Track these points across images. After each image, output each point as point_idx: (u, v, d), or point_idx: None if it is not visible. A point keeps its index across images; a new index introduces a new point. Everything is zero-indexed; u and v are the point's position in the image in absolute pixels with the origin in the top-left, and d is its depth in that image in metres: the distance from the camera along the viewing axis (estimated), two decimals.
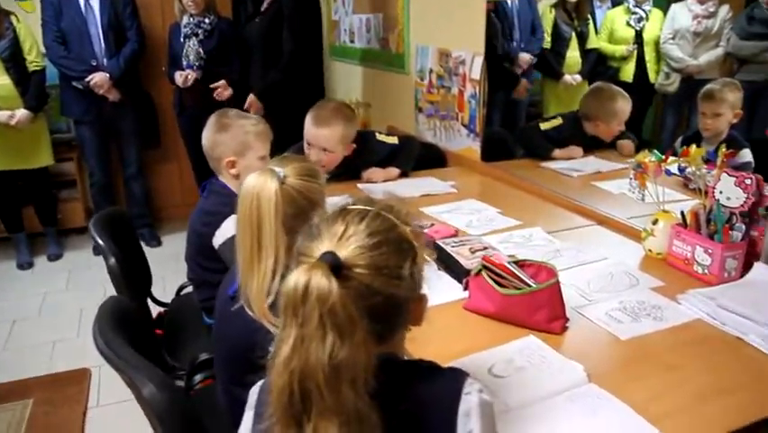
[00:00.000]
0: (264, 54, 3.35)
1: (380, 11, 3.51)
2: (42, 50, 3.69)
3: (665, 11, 2.34)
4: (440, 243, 1.72)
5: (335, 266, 0.75)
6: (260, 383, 0.90)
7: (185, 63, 3.64)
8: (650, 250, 1.74)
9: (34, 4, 3.93)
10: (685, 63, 2.26)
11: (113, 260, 1.77)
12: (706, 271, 1.57)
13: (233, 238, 1.33)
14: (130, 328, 1.41)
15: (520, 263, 1.43)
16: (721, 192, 1.57)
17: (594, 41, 2.69)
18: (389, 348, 0.85)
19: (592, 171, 2.44)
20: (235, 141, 1.87)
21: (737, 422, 1.07)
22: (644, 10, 2.44)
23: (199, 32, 3.63)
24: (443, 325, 1.40)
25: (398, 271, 0.80)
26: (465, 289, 1.45)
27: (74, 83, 3.69)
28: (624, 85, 2.49)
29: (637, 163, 1.76)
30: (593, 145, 2.58)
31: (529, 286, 1.35)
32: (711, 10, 2.14)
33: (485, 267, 1.41)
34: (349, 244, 0.79)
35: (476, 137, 2.74)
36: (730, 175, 1.55)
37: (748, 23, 2.03)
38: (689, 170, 1.65)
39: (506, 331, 1.34)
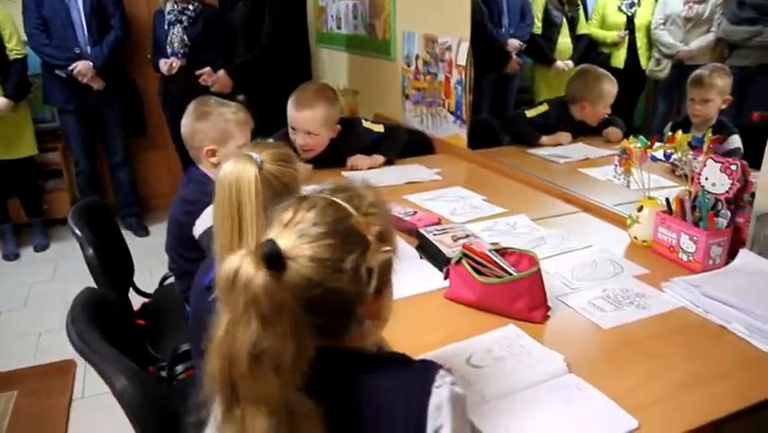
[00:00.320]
0: (247, 39, 3.31)
1: None
2: (24, 37, 3.62)
3: None
4: (422, 231, 1.69)
5: (272, 255, 0.74)
6: None
7: (169, 51, 3.60)
8: (635, 237, 1.72)
9: None
10: (676, 49, 2.23)
11: (90, 250, 1.75)
12: (691, 258, 1.55)
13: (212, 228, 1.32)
14: (105, 320, 1.39)
15: (502, 252, 1.41)
16: (706, 178, 1.55)
17: (585, 27, 2.66)
18: (347, 342, 0.82)
19: (580, 158, 2.42)
20: (215, 129, 1.84)
21: (718, 412, 1.05)
22: None
23: (183, 18, 3.58)
24: (424, 314, 1.39)
25: (340, 264, 0.77)
26: (446, 277, 1.43)
27: (57, 71, 3.63)
28: (615, 71, 2.46)
29: (622, 149, 1.74)
30: (581, 131, 2.56)
31: (510, 275, 1.33)
32: None
33: (465, 255, 1.38)
34: (292, 233, 0.77)
35: (462, 124, 2.71)
36: (716, 161, 1.53)
37: (739, 8, 2.00)
38: (675, 156, 1.63)
39: (486, 320, 1.32)
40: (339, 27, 3.89)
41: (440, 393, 0.79)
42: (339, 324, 0.81)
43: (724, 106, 1.96)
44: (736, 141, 1.86)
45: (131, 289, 2.12)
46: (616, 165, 1.77)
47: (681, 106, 2.18)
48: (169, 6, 3.59)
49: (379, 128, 2.63)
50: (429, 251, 1.63)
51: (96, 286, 1.71)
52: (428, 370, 0.81)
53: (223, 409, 0.76)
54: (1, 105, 3.48)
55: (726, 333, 1.29)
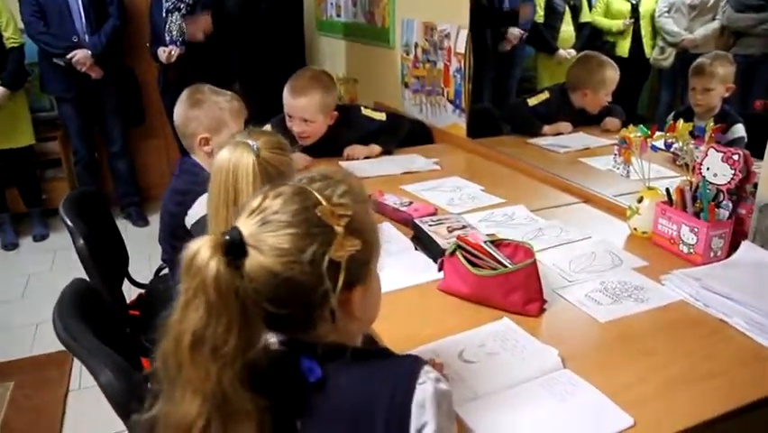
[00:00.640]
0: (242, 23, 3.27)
1: None
2: (20, 25, 3.59)
3: None
4: (417, 221, 1.66)
5: (233, 243, 0.73)
6: None
7: (168, 39, 3.56)
8: (635, 229, 1.69)
9: None
10: (680, 37, 2.18)
11: (81, 241, 1.73)
12: (691, 250, 1.52)
13: (205, 217, 1.30)
14: (94, 312, 1.37)
15: (497, 243, 1.38)
16: (708, 168, 1.51)
17: (587, 15, 2.62)
18: (320, 336, 0.79)
19: (580, 147, 2.38)
20: (209, 117, 1.81)
21: (716, 409, 1.02)
22: None
23: (181, 6, 3.54)
24: (417, 307, 1.36)
25: (300, 254, 0.74)
26: (440, 269, 1.40)
27: (55, 60, 3.60)
28: (620, 60, 2.42)
29: (622, 139, 1.70)
30: (581, 119, 2.52)
31: (505, 267, 1.29)
32: None
33: (460, 247, 1.35)
34: (255, 221, 0.76)
35: (462, 113, 2.68)
36: (717, 150, 1.49)
37: None
38: (675, 145, 1.59)
39: (480, 314, 1.29)
40: (338, 15, 3.85)
41: (424, 390, 0.76)
42: (304, 317, 0.78)
43: (727, 95, 1.92)
44: (739, 130, 1.82)
45: (125, 280, 2.10)
46: (615, 155, 1.74)
47: (684, 96, 2.14)
48: None
49: (381, 116, 2.58)
50: (424, 242, 1.60)
51: (83, 277, 1.69)
52: (412, 365, 0.78)
53: (165, 389, 0.76)
54: None
55: (726, 327, 1.25)
